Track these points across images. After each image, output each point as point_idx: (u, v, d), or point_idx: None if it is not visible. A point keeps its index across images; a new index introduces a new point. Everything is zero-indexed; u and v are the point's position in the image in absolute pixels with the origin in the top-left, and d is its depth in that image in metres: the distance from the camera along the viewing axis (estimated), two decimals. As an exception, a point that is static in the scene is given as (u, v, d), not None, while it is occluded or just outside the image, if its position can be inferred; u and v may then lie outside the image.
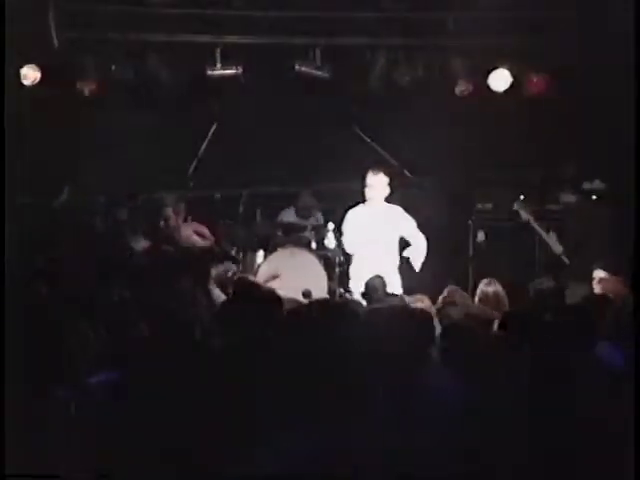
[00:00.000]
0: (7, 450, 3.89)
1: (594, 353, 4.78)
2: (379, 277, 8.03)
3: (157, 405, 3.98)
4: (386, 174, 9.29)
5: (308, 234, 10.60)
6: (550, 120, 10.30)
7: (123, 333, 4.97)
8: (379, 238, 9.17)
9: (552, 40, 10.36)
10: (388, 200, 9.34)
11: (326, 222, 10.29)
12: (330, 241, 9.95)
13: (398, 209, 9.36)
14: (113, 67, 10.45)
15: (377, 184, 9.23)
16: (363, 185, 9.25)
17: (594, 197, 9.86)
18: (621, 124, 8.00)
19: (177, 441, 3.81)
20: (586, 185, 9.91)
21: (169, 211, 10.24)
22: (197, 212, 10.42)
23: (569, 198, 10.10)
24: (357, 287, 8.78)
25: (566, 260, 9.71)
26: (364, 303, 7.73)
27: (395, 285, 8.92)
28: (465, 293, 7.76)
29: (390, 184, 9.28)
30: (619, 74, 8.52)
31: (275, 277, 9.63)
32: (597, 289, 7.68)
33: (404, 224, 9.31)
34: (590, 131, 10.15)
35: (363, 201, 9.32)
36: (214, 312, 5.99)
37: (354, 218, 9.35)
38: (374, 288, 7.89)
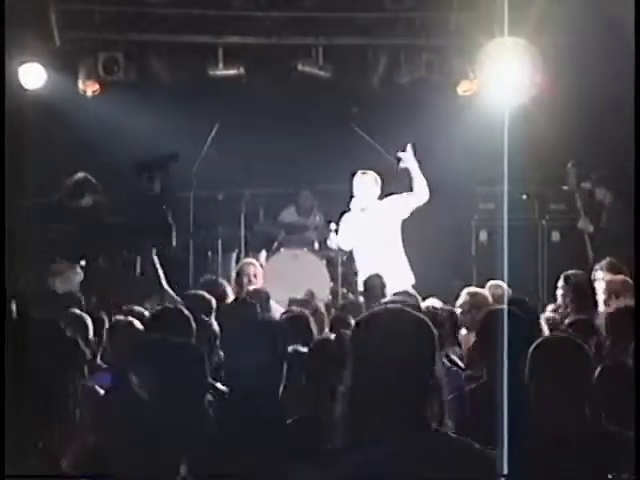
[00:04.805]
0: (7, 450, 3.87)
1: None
2: (378, 276, 8.05)
3: None
4: (376, 173, 9.32)
5: (310, 234, 10.57)
6: (551, 120, 10.26)
7: None
8: (374, 234, 9.18)
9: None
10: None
11: (328, 222, 10.25)
12: (332, 241, 9.90)
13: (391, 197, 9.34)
14: (115, 67, 10.44)
15: (364, 184, 9.30)
16: (351, 188, 9.29)
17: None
18: (622, 125, 7.96)
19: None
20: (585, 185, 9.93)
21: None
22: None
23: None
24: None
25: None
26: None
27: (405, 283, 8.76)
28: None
29: (382, 184, 9.29)
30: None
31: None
32: (602, 289, 7.58)
33: (396, 199, 9.29)
34: (590, 132, 10.12)
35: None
36: None
37: (349, 217, 9.44)
38: (372, 286, 7.92)
